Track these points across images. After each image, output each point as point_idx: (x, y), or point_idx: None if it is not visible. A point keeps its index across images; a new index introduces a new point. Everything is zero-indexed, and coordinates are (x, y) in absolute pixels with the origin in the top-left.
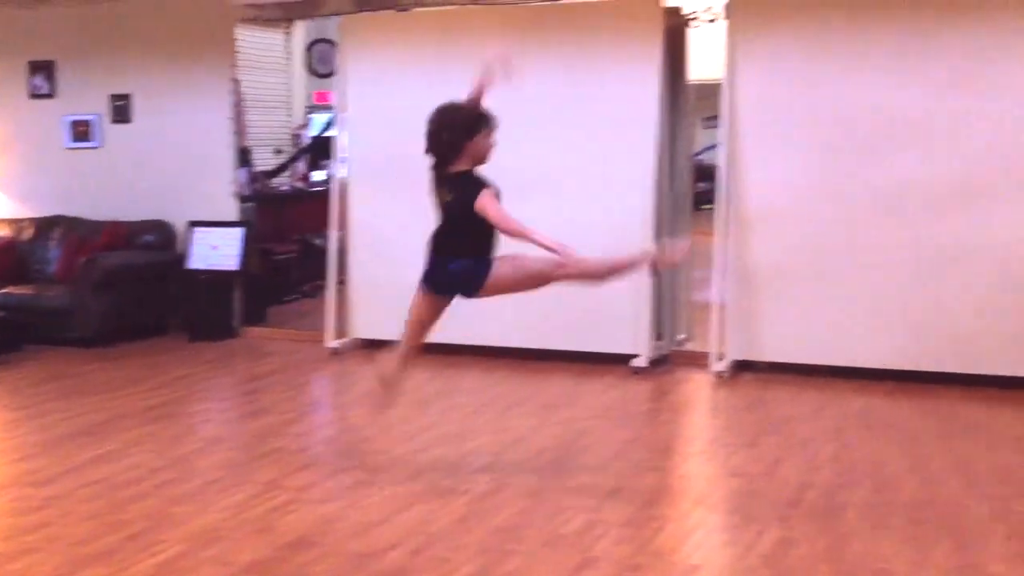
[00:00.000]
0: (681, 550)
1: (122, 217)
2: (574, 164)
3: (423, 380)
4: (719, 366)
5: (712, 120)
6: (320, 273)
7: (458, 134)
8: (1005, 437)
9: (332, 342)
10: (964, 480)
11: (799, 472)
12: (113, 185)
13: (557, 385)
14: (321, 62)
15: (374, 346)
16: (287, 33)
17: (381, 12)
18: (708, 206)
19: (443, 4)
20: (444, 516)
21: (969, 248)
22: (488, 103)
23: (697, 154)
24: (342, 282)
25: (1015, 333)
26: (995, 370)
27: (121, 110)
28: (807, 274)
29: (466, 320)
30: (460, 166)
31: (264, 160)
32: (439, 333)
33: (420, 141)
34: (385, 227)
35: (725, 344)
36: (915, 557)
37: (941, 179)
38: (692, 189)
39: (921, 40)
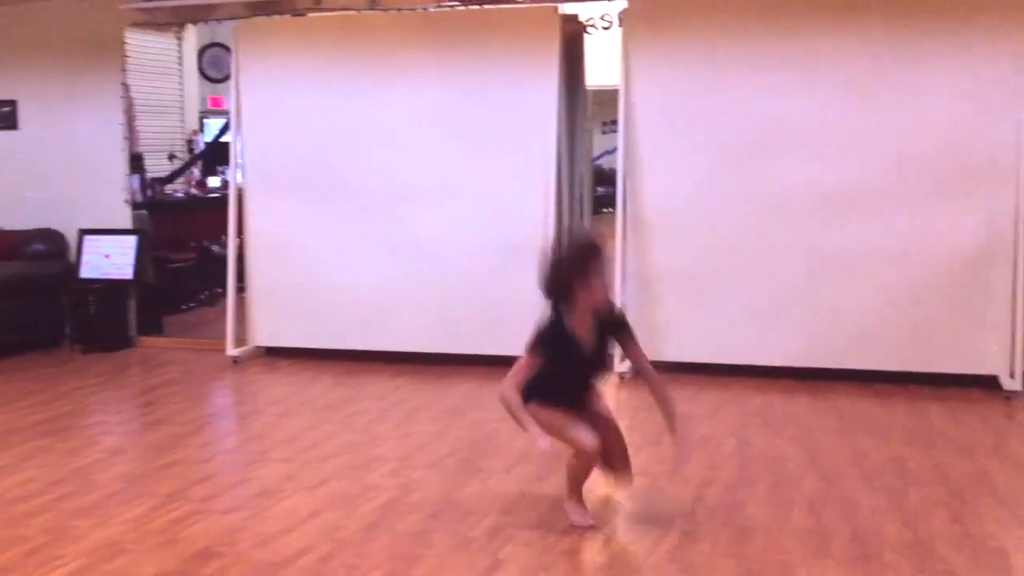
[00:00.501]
0: (588, 550)
1: (9, 226)
2: (474, 170)
3: (326, 387)
4: (622, 368)
5: (611, 125)
6: (218, 281)
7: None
8: (898, 430)
9: (232, 351)
10: (860, 472)
11: (701, 469)
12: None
13: (462, 389)
14: (214, 67)
15: (275, 354)
16: (179, 37)
17: (276, 17)
18: (608, 210)
19: (339, 9)
20: (352, 523)
21: (861, 250)
22: (383, 109)
23: (596, 159)
24: (241, 290)
25: (906, 330)
26: (888, 366)
27: (7, 116)
28: (706, 276)
29: (368, 326)
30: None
31: (158, 166)
32: (342, 339)
33: (318, 146)
34: (284, 233)
35: None
36: (815, 548)
37: (834, 184)
38: (592, 193)
39: (813, 48)
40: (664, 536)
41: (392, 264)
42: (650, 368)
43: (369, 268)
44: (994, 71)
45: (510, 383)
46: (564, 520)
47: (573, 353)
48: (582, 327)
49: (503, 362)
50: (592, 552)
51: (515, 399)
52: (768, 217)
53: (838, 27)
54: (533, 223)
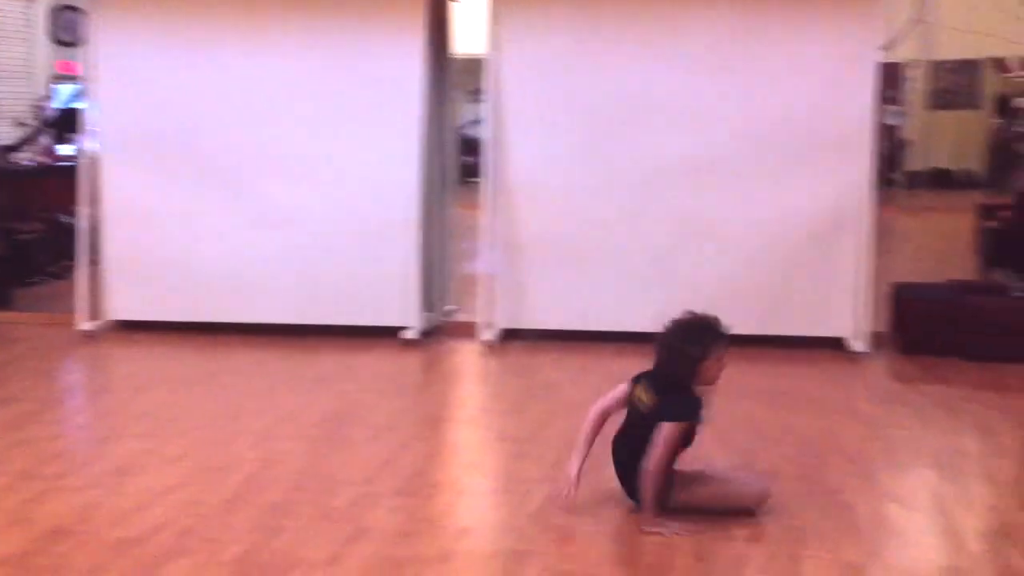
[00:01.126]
0: (452, 515)
1: None
2: (338, 140)
3: (186, 361)
4: (488, 335)
5: (478, 94)
6: (69, 253)
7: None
8: (752, 390)
9: (85, 324)
10: (714, 432)
11: (564, 433)
12: None
13: (326, 360)
14: (66, 30)
15: (132, 328)
16: (28, 0)
17: None
18: (474, 179)
19: None
20: (212, 496)
21: (722, 219)
22: (247, 77)
23: (463, 128)
24: (95, 262)
25: (763, 295)
26: (745, 330)
27: None
28: (572, 244)
29: (231, 299)
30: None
31: (3, 134)
32: (203, 312)
33: (180, 115)
34: (143, 203)
35: (493, 314)
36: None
37: (696, 154)
38: (458, 163)
39: (678, 20)
40: (526, 499)
41: (255, 235)
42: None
43: (232, 240)
44: (845, 46)
45: (662, 458)
46: (428, 486)
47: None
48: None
49: (367, 332)
50: (456, 517)
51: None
52: (632, 186)
53: (700, 1)
54: (397, 193)
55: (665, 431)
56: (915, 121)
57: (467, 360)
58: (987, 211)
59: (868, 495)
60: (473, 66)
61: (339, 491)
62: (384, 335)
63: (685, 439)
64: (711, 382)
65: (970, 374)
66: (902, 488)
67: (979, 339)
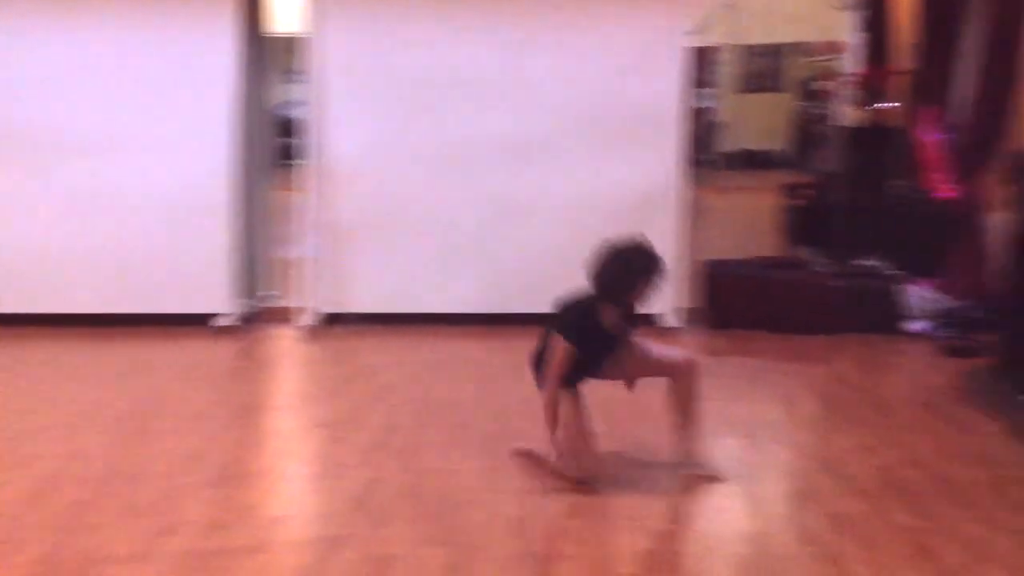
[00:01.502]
0: (266, 504)
1: None
2: (148, 121)
3: None
4: (307, 320)
5: (295, 74)
6: None
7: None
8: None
9: None
10: (534, 410)
11: (384, 416)
12: None
13: (136, 350)
14: None
15: None
16: None
17: None
18: (292, 161)
19: None
20: (8, 495)
21: (539, 198)
22: (52, 54)
23: (279, 109)
24: None
25: (574, 275)
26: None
27: None
28: (390, 227)
29: (32, 287)
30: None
31: None
32: (7, 303)
33: None
34: None
35: (312, 298)
36: (491, 486)
37: (512, 133)
38: (275, 144)
39: (493, 1)
40: (342, 484)
41: (62, 221)
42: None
43: (37, 225)
44: (655, 29)
45: (552, 381)
46: (241, 475)
47: (603, 344)
48: (614, 324)
49: (179, 320)
50: (270, 505)
51: (547, 394)
52: (449, 169)
53: None
54: (209, 176)
55: (553, 343)
56: (726, 104)
57: (284, 346)
58: (791, 190)
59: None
60: (290, 45)
61: (147, 485)
62: (198, 323)
63: (589, 362)
64: (637, 311)
65: (775, 346)
66: (709, 457)
67: (783, 313)
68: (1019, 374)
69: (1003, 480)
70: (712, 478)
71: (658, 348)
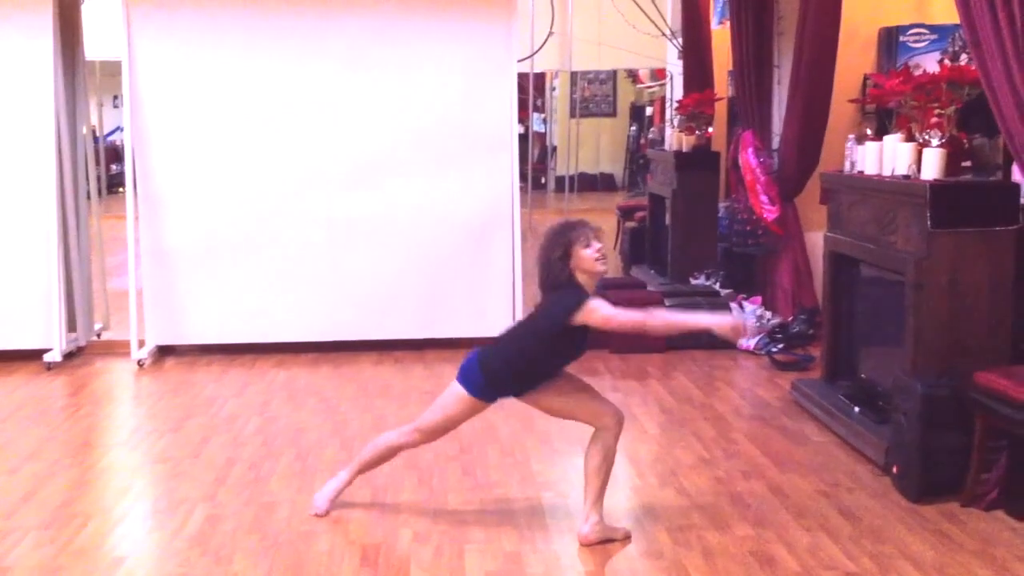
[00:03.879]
0: (106, 544)
1: None
2: None
3: None
4: (140, 354)
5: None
6: None
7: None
8: (415, 393)
9: None
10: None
11: (225, 449)
12: None
13: None
14: None
15: None
16: None
17: None
18: (122, 189)
19: None
20: None
21: (377, 222)
22: None
23: (109, 135)
24: None
25: (417, 300)
26: (404, 334)
27: None
28: (226, 254)
29: None
30: None
31: None
32: None
33: None
34: None
35: (145, 330)
36: (336, 515)
37: (345, 154)
38: (105, 171)
39: (319, 19)
40: (186, 521)
41: None
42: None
43: None
44: (487, 55)
45: (627, 316)
46: (78, 516)
47: (573, 340)
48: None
49: (6, 357)
50: (109, 546)
51: (650, 316)
52: (286, 191)
53: (343, 6)
54: (32, 205)
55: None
56: (561, 128)
57: (118, 381)
58: (625, 212)
59: (524, 485)
60: (118, 70)
61: None
62: (26, 359)
63: (573, 343)
64: (593, 269)
65: (614, 365)
66: (553, 476)
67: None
68: (841, 384)
69: (836, 488)
70: (623, 537)
71: (583, 388)
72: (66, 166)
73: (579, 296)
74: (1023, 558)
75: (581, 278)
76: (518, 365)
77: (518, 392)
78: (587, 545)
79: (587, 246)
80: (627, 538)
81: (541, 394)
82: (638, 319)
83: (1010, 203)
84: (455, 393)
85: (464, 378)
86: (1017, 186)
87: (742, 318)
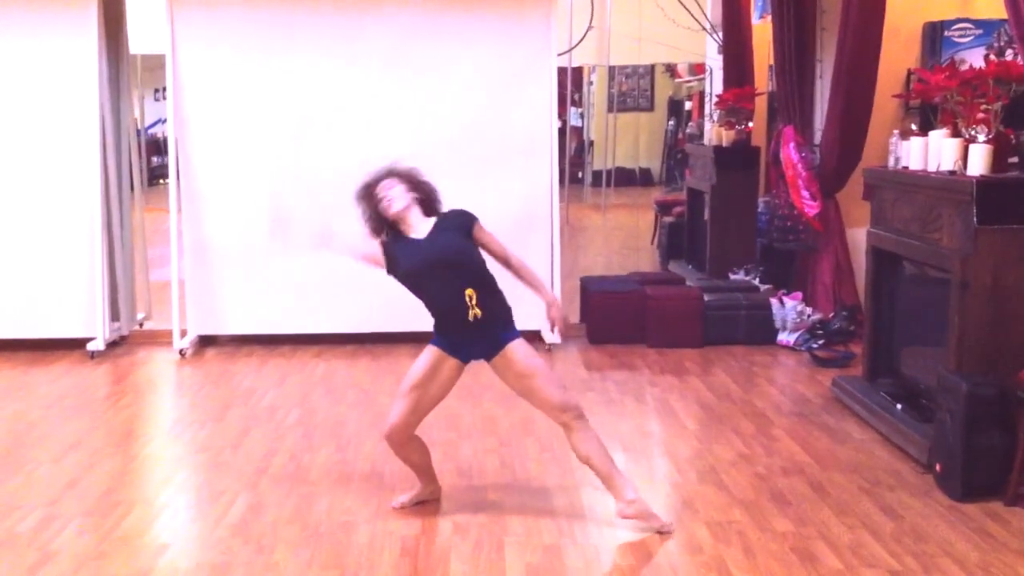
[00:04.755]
0: (149, 532)
1: None
2: (9, 144)
3: None
4: (182, 343)
5: (164, 92)
6: None
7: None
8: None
9: None
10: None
11: (266, 440)
12: None
13: (6, 376)
14: None
15: None
16: None
17: None
18: (164, 181)
19: None
20: None
21: None
22: None
23: (150, 128)
24: None
25: None
26: None
27: None
28: (265, 246)
29: None
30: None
31: None
32: None
33: None
34: None
35: (187, 321)
36: (376, 506)
37: (385, 149)
38: (147, 164)
39: (359, 16)
40: (228, 510)
41: None
42: (509, 255)
43: None
44: (525, 52)
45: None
46: (121, 504)
47: (414, 253)
48: (417, 231)
49: (50, 346)
50: (152, 534)
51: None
52: (323, 186)
53: (384, 3)
54: (78, 196)
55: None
56: (599, 123)
57: (160, 370)
58: (663, 207)
59: (562, 480)
60: (159, 63)
61: (22, 516)
62: (70, 348)
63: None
64: (387, 213)
65: (652, 360)
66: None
67: (659, 327)
68: (883, 382)
69: (877, 486)
70: (661, 527)
71: (543, 375)
72: (110, 158)
73: (464, 212)
74: None
75: (393, 220)
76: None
77: (472, 351)
78: (626, 518)
79: (376, 193)
80: (666, 531)
81: (497, 367)
82: (508, 250)
83: None
84: (426, 349)
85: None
86: None
87: (561, 311)
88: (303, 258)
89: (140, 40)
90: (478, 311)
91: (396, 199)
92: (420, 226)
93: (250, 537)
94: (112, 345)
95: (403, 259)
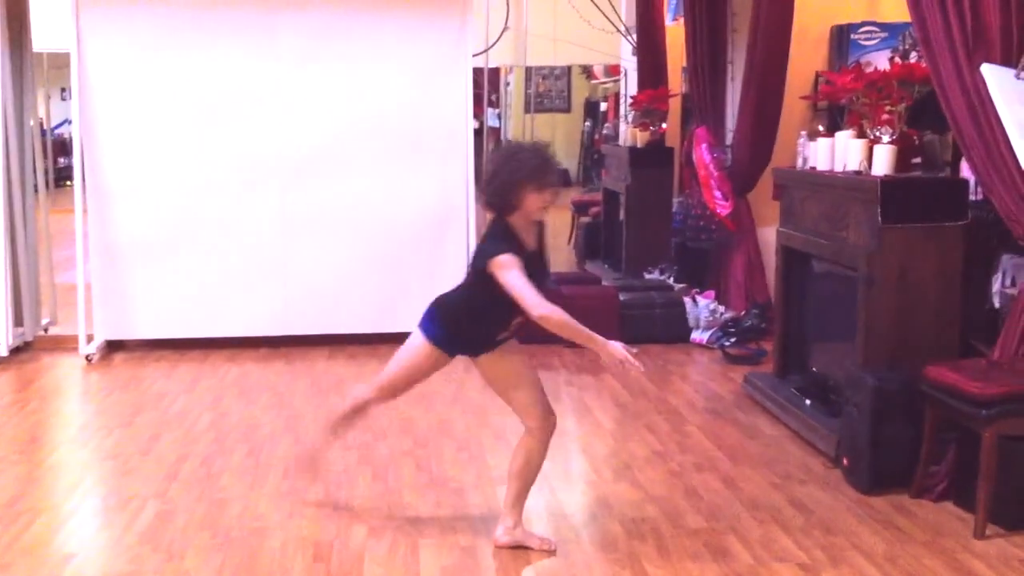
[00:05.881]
0: (55, 541)
1: None
2: None
3: None
4: (88, 349)
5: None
6: None
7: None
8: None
9: None
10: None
11: (176, 445)
12: None
13: None
14: None
15: None
16: None
17: None
18: (70, 183)
19: None
20: None
21: (328, 216)
22: None
23: (56, 128)
24: None
25: (370, 294)
26: (357, 329)
27: None
28: (176, 248)
29: None
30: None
31: None
32: None
33: None
34: None
35: (94, 325)
36: (288, 510)
37: (297, 148)
38: (53, 164)
39: (270, 13)
40: (136, 517)
41: None
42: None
43: None
44: (440, 50)
45: (535, 300)
46: (25, 512)
47: (535, 267)
48: (529, 239)
49: None
50: (58, 543)
51: (560, 313)
52: (236, 185)
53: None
54: None
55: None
56: (516, 123)
57: (67, 376)
58: (580, 207)
59: (479, 480)
60: (66, 63)
61: None
62: None
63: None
64: (531, 216)
65: (569, 359)
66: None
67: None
68: (793, 378)
69: (788, 481)
70: (541, 547)
71: (531, 379)
72: (12, 159)
73: (501, 247)
74: (971, 549)
75: (515, 215)
76: (466, 311)
77: (473, 349)
78: (500, 547)
79: (540, 190)
80: (547, 549)
81: (492, 363)
82: (533, 302)
83: (959, 199)
84: (415, 343)
85: (423, 326)
86: (966, 182)
87: (628, 356)
88: (214, 260)
89: (46, 37)
90: (510, 334)
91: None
92: (532, 234)
93: (159, 544)
94: (16, 351)
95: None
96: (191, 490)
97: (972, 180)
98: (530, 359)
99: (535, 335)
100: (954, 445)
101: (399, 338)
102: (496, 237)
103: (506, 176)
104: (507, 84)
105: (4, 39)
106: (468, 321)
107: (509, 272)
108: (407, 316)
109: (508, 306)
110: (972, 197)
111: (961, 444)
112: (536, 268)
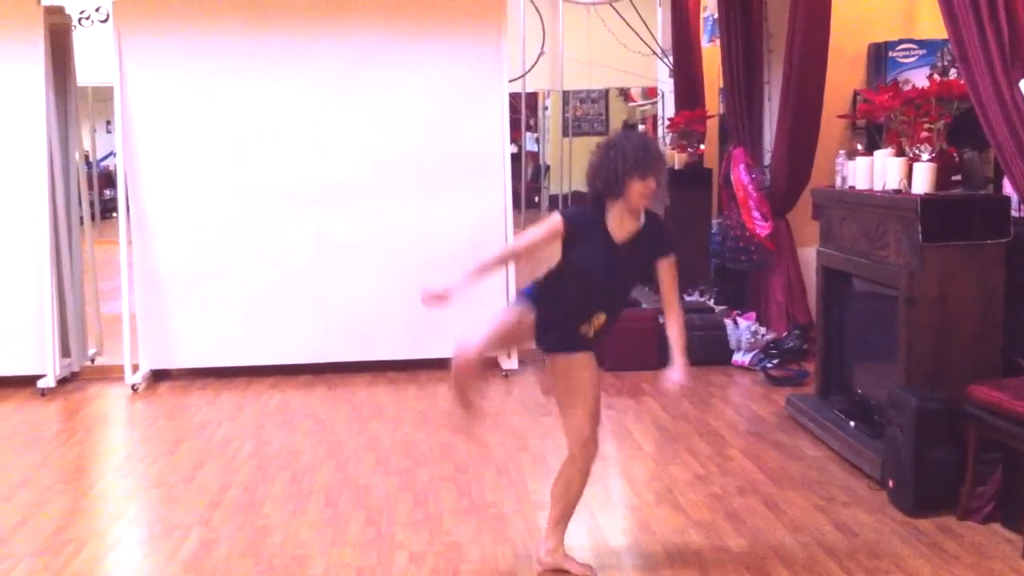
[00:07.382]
0: (99, 570)
1: None
2: None
3: None
4: (134, 378)
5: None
6: None
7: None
8: (409, 414)
9: None
10: (374, 458)
11: (219, 473)
12: None
13: None
14: None
15: None
16: None
17: None
18: (117, 214)
19: None
20: None
21: (367, 244)
22: None
23: (102, 160)
24: None
25: (409, 321)
26: (397, 355)
27: None
28: (217, 277)
29: None
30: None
31: None
32: None
33: None
34: None
35: (139, 355)
36: (331, 537)
37: (335, 176)
38: (99, 196)
39: (308, 42)
40: (181, 545)
41: None
42: (675, 301)
43: None
44: (477, 77)
45: (510, 246)
46: (71, 542)
47: (600, 253)
48: (621, 229)
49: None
50: (103, 573)
51: (507, 249)
52: (275, 214)
53: (331, 25)
54: (25, 230)
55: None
56: (554, 147)
57: (112, 406)
58: None
59: (519, 504)
60: (109, 95)
61: None
62: (19, 385)
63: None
64: (633, 204)
65: (609, 383)
66: (548, 495)
67: (615, 350)
68: (836, 399)
69: (832, 503)
70: (583, 573)
71: (591, 405)
72: (59, 191)
73: (567, 211)
74: (1020, 570)
75: (618, 202)
76: (550, 291)
77: (556, 338)
78: (542, 566)
79: (643, 178)
80: (587, 575)
81: (565, 369)
82: (509, 245)
83: (1000, 216)
84: (508, 308)
85: (520, 297)
86: (1007, 199)
87: (686, 381)
88: (255, 289)
89: (90, 71)
90: (593, 334)
91: (653, 200)
92: (628, 225)
93: (203, 572)
94: (63, 381)
95: (582, 250)
96: (234, 518)
97: (1015, 197)
98: (600, 390)
99: None
100: (1000, 466)
101: (439, 364)
102: (579, 205)
103: (610, 164)
104: (545, 108)
105: (49, 73)
106: (550, 302)
107: (537, 225)
108: (446, 342)
109: (583, 294)
110: (1015, 214)
111: (1007, 464)
112: (610, 259)
